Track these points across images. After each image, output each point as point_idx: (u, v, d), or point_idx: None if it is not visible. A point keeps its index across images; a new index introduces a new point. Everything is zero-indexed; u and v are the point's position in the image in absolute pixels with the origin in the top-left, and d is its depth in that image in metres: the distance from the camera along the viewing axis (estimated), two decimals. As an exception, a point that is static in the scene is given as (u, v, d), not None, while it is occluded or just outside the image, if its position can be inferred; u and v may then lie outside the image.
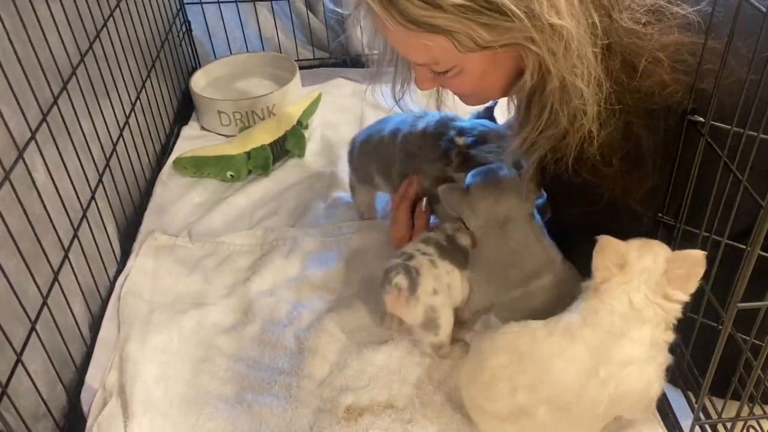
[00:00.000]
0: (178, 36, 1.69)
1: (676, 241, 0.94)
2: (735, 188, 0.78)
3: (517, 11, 0.72)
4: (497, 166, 1.02)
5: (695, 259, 0.79)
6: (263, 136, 1.44)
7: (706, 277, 0.88)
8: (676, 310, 0.82)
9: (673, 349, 0.98)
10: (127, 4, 1.34)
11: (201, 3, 1.71)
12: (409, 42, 0.80)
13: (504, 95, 0.93)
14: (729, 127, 0.79)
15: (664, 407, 0.94)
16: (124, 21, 1.32)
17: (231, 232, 1.29)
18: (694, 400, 0.95)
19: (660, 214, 0.95)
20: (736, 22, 0.73)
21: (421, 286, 0.98)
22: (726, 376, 0.86)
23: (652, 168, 0.86)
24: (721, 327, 0.80)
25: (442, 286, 0.99)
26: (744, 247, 0.77)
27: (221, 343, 1.06)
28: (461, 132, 1.08)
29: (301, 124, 1.52)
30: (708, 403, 0.91)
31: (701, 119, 0.84)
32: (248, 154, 1.41)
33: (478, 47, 0.76)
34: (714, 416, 0.89)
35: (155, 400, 0.97)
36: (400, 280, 0.96)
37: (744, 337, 0.83)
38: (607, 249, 0.83)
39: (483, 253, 1.00)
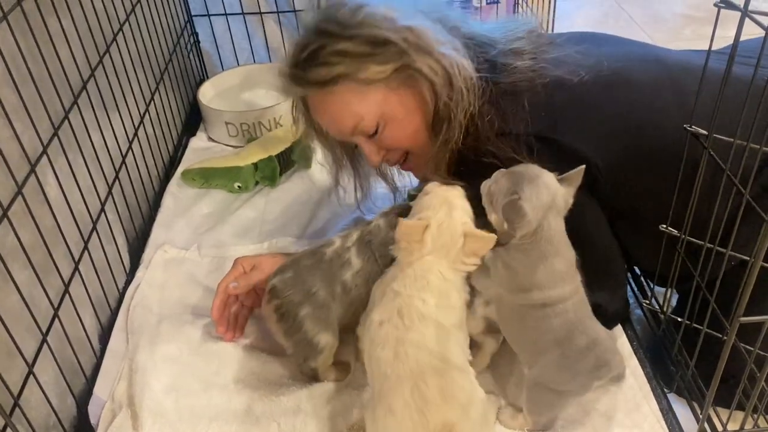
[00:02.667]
0: (186, 48, 1.71)
1: (681, 251, 0.95)
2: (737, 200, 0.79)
3: (395, 39, 0.91)
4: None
5: (488, 239, 0.87)
6: (270, 147, 1.46)
7: (710, 289, 0.88)
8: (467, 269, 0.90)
9: (677, 360, 0.99)
10: (136, 17, 1.36)
11: (209, 15, 1.73)
12: (334, 109, 0.98)
13: (429, 146, 1.00)
14: (731, 140, 0.80)
15: (669, 418, 0.95)
16: (133, 34, 1.34)
17: (239, 245, 1.30)
18: (699, 411, 0.95)
19: (664, 225, 0.96)
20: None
21: (477, 299, 0.95)
22: (731, 387, 0.87)
23: None
24: (725, 338, 0.80)
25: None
26: (748, 258, 0.77)
27: (230, 356, 1.06)
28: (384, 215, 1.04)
29: (307, 136, 1.53)
30: (713, 414, 0.91)
31: (704, 132, 0.85)
32: (255, 165, 1.43)
33: (379, 79, 0.93)
34: (719, 427, 0.89)
35: (165, 411, 0.97)
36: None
37: (748, 348, 0.83)
38: (408, 231, 0.88)
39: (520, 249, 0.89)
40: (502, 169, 0.90)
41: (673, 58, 1.06)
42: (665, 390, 1.00)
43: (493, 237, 0.87)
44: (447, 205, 0.90)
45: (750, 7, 0.71)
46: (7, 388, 0.77)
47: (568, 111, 0.96)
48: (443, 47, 0.94)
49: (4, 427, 0.76)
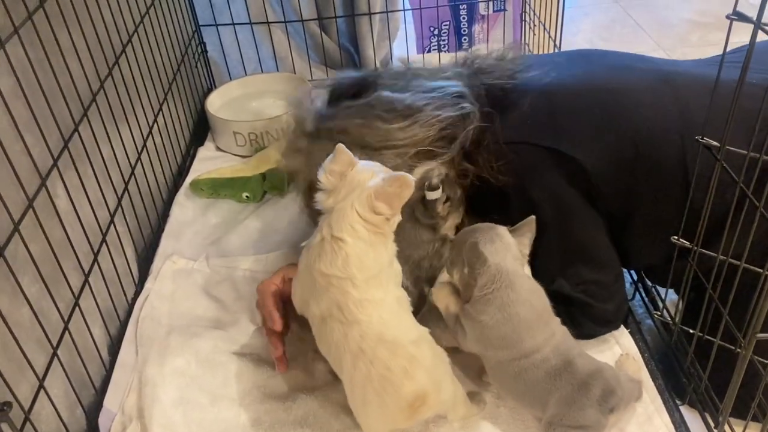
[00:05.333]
0: (194, 58, 1.72)
1: (693, 264, 0.95)
2: (751, 212, 0.79)
3: None
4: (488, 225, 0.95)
5: (405, 182, 0.81)
6: (278, 157, 1.45)
7: (723, 300, 0.88)
8: (380, 222, 0.84)
9: (689, 371, 0.99)
10: (144, 28, 1.37)
11: (216, 25, 1.73)
12: None
13: None
14: (743, 152, 0.79)
15: (682, 431, 0.94)
16: (141, 45, 1.34)
17: (247, 255, 1.30)
18: (712, 424, 0.94)
19: (676, 237, 0.96)
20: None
21: None
22: (745, 398, 0.86)
23: None
24: (738, 350, 0.79)
25: None
26: (761, 270, 0.77)
27: (238, 369, 1.06)
28: None
29: (315, 145, 1.53)
30: (727, 427, 0.91)
31: (716, 143, 0.84)
32: (264, 175, 1.43)
33: None
34: (733, 440, 0.89)
35: (174, 425, 0.97)
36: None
37: (762, 361, 0.82)
38: (341, 154, 0.86)
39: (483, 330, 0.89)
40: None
41: (673, 68, 1.07)
42: (677, 402, 0.99)
43: (411, 178, 0.82)
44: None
45: (764, 19, 0.71)
46: (18, 402, 0.77)
47: (564, 120, 0.98)
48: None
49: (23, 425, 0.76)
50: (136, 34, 1.31)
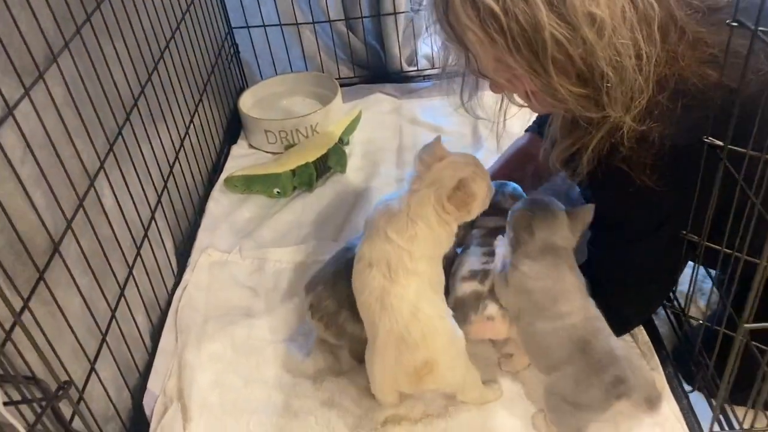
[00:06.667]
0: (227, 59, 1.79)
1: (700, 257, 0.99)
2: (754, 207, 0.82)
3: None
4: (549, 199, 1.04)
5: (472, 192, 0.95)
6: (307, 154, 1.53)
7: (727, 290, 0.92)
8: (448, 218, 0.97)
9: (698, 360, 1.03)
10: (180, 33, 1.44)
11: (248, 27, 1.81)
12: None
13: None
14: (743, 150, 0.83)
15: (689, 417, 0.99)
16: (178, 49, 1.42)
17: (278, 247, 1.37)
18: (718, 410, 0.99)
19: (684, 231, 1.00)
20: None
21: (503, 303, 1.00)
22: (751, 384, 0.90)
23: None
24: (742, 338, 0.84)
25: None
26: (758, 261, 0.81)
27: (270, 354, 1.14)
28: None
29: (342, 141, 1.60)
30: (730, 412, 0.95)
31: (719, 143, 0.88)
32: (293, 171, 1.50)
33: None
34: (736, 425, 0.93)
35: (211, 405, 1.05)
36: (491, 310, 1.00)
37: (761, 347, 0.86)
38: (434, 146, 0.99)
39: (525, 280, 0.98)
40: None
41: None
42: (686, 390, 1.04)
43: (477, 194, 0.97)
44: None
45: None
46: (74, 383, 0.85)
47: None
48: None
49: (72, 415, 0.85)
50: (173, 39, 1.39)
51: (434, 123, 1.70)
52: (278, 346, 1.16)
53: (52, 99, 0.88)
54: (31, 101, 0.82)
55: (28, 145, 0.82)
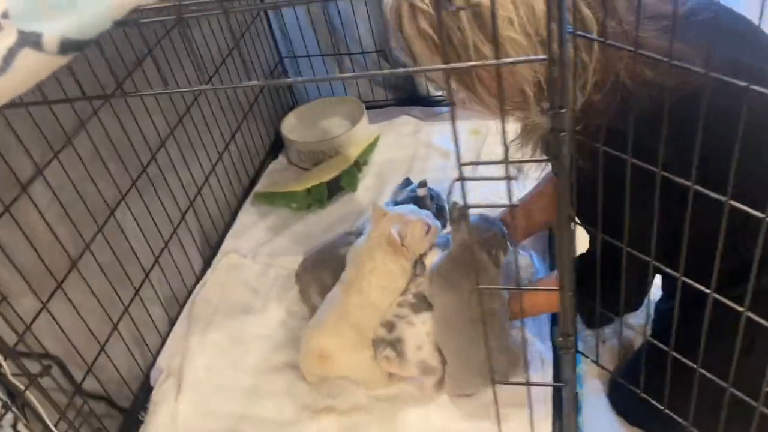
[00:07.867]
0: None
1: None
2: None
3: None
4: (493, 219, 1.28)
5: (401, 235, 1.25)
6: (322, 174, 1.79)
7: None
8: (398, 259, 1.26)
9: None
10: (233, 59, 1.77)
11: (296, 57, 2.10)
12: None
13: None
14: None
15: None
16: (229, 74, 1.75)
17: (288, 255, 1.64)
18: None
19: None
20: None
21: (407, 348, 1.21)
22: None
23: None
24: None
25: (423, 339, 1.21)
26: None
27: (253, 346, 1.43)
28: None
29: (358, 164, 1.85)
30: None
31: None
32: (309, 190, 1.77)
33: None
34: None
35: (200, 382, 1.37)
36: (388, 353, 1.22)
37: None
38: (376, 210, 1.31)
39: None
40: None
41: None
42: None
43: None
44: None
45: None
46: (81, 356, 1.20)
47: None
48: None
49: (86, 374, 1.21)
50: (223, 64, 1.71)
51: (445, 148, 1.90)
52: (262, 340, 1.45)
53: (80, 157, 1.21)
54: (60, 163, 1.15)
55: (55, 195, 1.15)
